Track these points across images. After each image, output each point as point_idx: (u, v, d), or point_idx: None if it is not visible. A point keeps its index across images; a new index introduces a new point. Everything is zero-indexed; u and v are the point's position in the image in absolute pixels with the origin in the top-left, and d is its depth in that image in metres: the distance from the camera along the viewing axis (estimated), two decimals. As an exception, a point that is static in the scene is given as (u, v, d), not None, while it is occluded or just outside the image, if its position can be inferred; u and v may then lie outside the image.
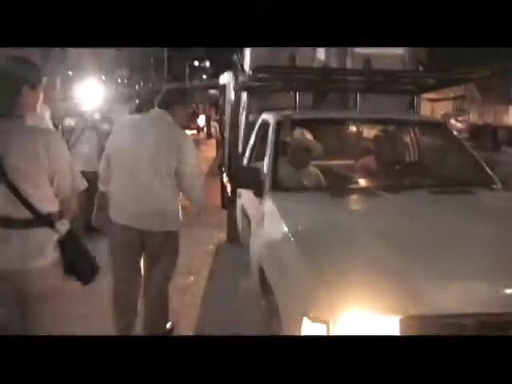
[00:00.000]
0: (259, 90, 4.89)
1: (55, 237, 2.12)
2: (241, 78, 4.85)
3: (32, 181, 2.05)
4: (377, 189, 3.19)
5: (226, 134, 6.22)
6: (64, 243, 2.14)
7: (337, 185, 3.34)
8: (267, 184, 3.13)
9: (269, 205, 2.96)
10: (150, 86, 26.04)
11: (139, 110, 7.23)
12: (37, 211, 2.05)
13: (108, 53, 27.76)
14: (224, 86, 6.64)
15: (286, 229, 2.52)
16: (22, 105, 2.06)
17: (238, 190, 4.08)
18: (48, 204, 2.11)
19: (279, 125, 3.45)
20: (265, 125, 4.03)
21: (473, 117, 16.61)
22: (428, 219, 2.65)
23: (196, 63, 42.73)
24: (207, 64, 42.61)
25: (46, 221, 2.09)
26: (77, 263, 2.18)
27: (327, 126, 4.29)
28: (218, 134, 6.27)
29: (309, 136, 3.74)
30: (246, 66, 5.05)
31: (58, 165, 2.11)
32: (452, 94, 13.62)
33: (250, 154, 4.37)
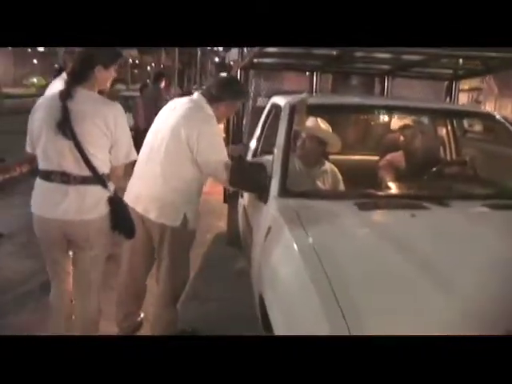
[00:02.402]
0: (269, 69, 4.19)
1: (106, 194, 2.42)
2: (248, 55, 4.10)
3: (96, 144, 2.35)
4: (416, 197, 2.47)
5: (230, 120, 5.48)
6: (112, 201, 2.43)
7: (363, 191, 2.57)
8: (275, 187, 2.42)
9: (276, 216, 2.26)
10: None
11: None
12: (96, 170, 2.35)
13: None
14: (230, 65, 5.92)
15: (297, 254, 1.84)
16: (95, 80, 2.40)
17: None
18: (103, 166, 2.40)
19: (293, 110, 2.70)
20: (275, 110, 3.33)
21: (488, 110, 16.06)
22: (491, 247, 1.95)
23: (208, 45, 41.70)
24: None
25: (101, 180, 2.38)
26: (122, 219, 2.47)
27: (350, 113, 3.56)
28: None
29: (323, 125, 3.04)
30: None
31: (120, 135, 2.40)
32: (466, 87, 12.95)
33: (256, 146, 3.66)
